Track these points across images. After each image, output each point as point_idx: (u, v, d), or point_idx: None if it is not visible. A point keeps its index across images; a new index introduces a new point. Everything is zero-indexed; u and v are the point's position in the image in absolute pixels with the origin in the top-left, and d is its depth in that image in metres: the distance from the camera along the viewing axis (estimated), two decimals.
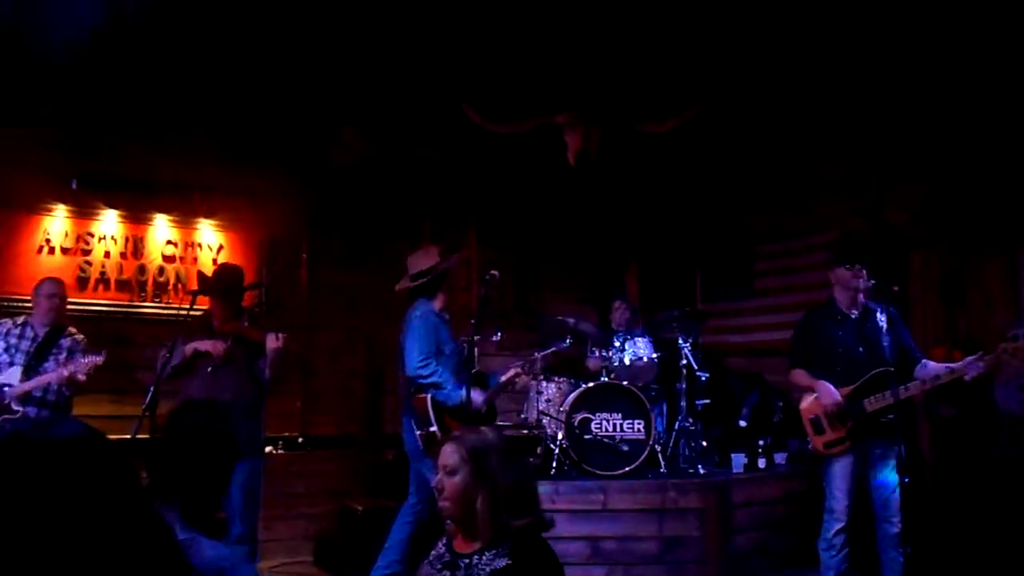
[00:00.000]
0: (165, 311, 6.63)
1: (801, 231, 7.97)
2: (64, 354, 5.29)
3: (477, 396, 4.98)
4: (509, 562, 2.47)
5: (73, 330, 5.46)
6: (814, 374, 5.02)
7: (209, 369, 4.94)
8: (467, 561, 2.54)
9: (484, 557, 2.51)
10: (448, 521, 2.65)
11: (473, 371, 5.07)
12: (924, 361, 4.91)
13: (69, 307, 6.32)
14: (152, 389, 4.75)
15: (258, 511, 5.09)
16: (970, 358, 4.64)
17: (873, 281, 4.88)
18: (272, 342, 4.89)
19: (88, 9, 5.39)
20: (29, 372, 5.18)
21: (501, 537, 2.51)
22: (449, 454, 2.62)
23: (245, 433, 4.96)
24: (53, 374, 5.12)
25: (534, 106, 6.66)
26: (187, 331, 5.08)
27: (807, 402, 5.07)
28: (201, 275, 5.75)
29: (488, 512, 2.52)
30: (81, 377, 5.12)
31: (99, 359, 5.14)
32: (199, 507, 2.28)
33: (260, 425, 5.14)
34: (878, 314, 4.89)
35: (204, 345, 4.94)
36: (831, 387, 4.91)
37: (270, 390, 5.18)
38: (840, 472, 4.94)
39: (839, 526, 4.91)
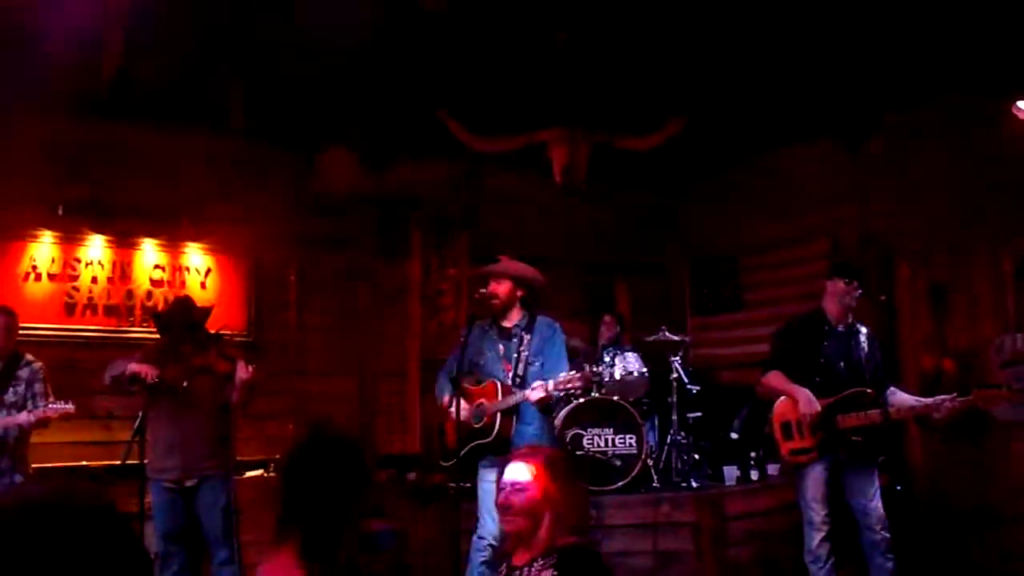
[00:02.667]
0: (153, 336, 6.56)
1: (788, 243, 8.01)
2: (23, 385, 5.22)
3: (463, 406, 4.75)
4: (555, 573, 2.57)
5: (30, 358, 5.36)
6: (795, 381, 5.02)
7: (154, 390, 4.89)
8: (519, 571, 2.65)
9: (533, 567, 2.61)
10: (508, 538, 2.74)
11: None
12: (892, 388, 4.92)
13: (57, 333, 6.35)
14: (141, 415, 4.74)
15: (238, 533, 5.07)
16: (942, 398, 4.65)
17: (860, 291, 4.92)
18: (242, 372, 4.86)
19: (79, 37, 5.41)
20: None
21: (550, 550, 2.60)
22: (520, 471, 2.69)
23: (215, 460, 4.97)
24: (23, 418, 5.04)
25: (520, 123, 6.68)
26: (150, 352, 5.08)
27: (781, 406, 5.04)
28: (155, 315, 5.62)
29: (550, 530, 2.62)
30: (47, 422, 5.14)
31: (70, 408, 5.11)
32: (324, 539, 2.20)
33: (229, 450, 5.11)
34: (861, 332, 4.91)
35: (141, 368, 4.86)
36: (811, 396, 4.88)
37: (238, 415, 5.15)
38: (812, 483, 4.93)
39: (820, 536, 4.90)
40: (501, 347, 4.77)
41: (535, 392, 4.48)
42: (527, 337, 4.77)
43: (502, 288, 4.73)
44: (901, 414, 4.78)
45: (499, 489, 2.73)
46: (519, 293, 4.79)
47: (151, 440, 4.97)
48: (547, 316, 4.89)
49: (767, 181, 8.08)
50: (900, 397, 4.84)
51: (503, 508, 2.68)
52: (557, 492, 2.64)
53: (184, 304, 5.37)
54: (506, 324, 4.80)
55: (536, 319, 4.83)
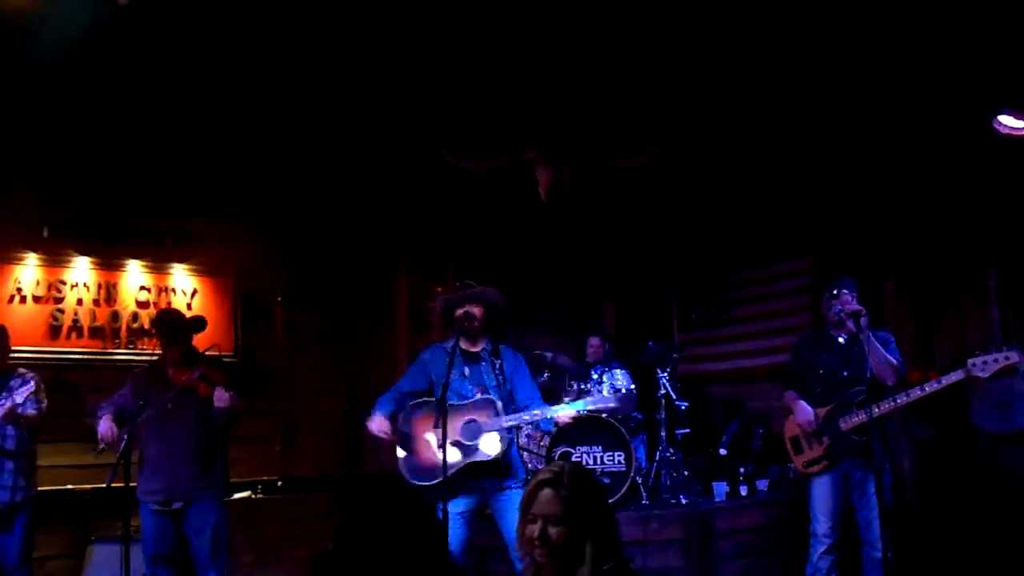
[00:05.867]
0: (139, 358, 6.55)
1: (775, 258, 8.05)
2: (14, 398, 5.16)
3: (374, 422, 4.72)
4: None
5: (23, 371, 5.35)
6: (801, 396, 5.12)
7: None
8: None
9: None
10: (540, 571, 2.45)
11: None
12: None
13: (42, 356, 6.30)
14: (125, 438, 4.71)
15: (227, 556, 5.04)
16: (940, 378, 4.71)
17: (844, 298, 4.94)
18: (219, 401, 4.83)
19: (59, 58, 5.41)
20: None
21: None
22: (550, 500, 2.42)
23: (202, 481, 4.94)
24: None
25: (505, 143, 6.69)
26: (137, 378, 5.06)
27: (788, 423, 5.19)
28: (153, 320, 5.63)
29: (593, 559, 2.35)
30: (30, 411, 5.12)
31: (35, 379, 5.12)
32: None
33: (219, 470, 5.08)
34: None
35: (103, 433, 4.82)
36: (806, 406, 5.03)
37: (225, 436, 5.13)
38: (821, 493, 4.97)
39: (823, 548, 4.92)
40: (467, 369, 4.75)
41: (565, 415, 4.57)
42: (497, 361, 4.78)
43: (477, 311, 4.75)
44: (898, 403, 4.76)
45: (528, 521, 2.46)
46: (487, 319, 4.80)
47: (140, 461, 4.95)
48: (507, 345, 4.94)
49: (753, 196, 8.12)
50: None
51: (541, 542, 2.39)
52: (594, 515, 2.40)
53: (174, 312, 5.40)
54: (472, 348, 4.80)
55: (499, 346, 4.86)
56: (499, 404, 4.61)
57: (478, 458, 4.52)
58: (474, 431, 4.55)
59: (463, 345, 4.75)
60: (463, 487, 4.53)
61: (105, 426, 4.84)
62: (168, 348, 5.13)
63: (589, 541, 2.36)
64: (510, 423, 4.56)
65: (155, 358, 5.33)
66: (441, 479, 4.37)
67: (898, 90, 6.09)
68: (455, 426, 4.55)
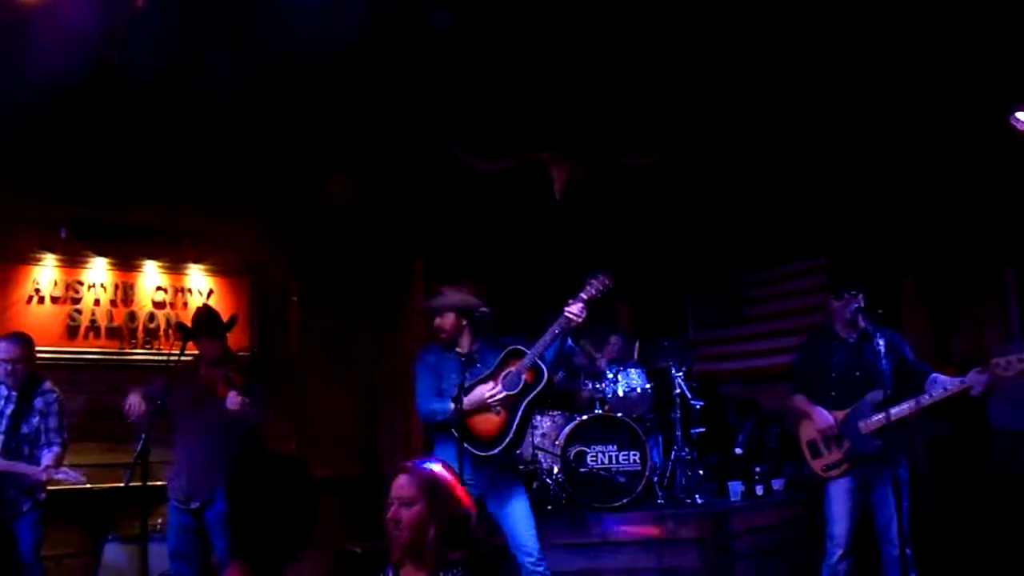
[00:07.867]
0: (156, 358, 6.60)
1: (790, 257, 8.01)
2: (37, 417, 5.18)
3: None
4: None
5: (47, 386, 5.32)
6: (812, 398, 5.04)
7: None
8: None
9: None
10: (395, 551, 2.75)
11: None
12: (933, 376, 4.84)
13: (60, 356, 6.37)
14: (143, 437, 4.72)
15: None
16: (974, 371, 4.62)
17: (856, 304, 4.89)
18: (230, 404, 4.80)
19: (75, 59, 5.44)
20: (8, 440, 5.10)
21: (448, 565, 2.66)
22: (404, 486, 2.74)
23: (222, 483, 4.94)
24: (29, 469, 5.02)
25: (519, 143, 6.70)
26: (173, 376, 5.07)
27: (804, 427, 5.09)
28: (180, 324, 5.67)
29: (436, 543, 2.67)
30: (55, 447, 5.17)
31: (83, 480, 5.11)
32: None
33: None
34: (877, 338, 4.88)
35: (128, 401, 4.89)
36: (824, 411, 4.94)
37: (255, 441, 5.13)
38: (838, 496, 4.92)
39: (841, 552, 4.88)
40: (465, 374, 4.73)
41: (575, 306, 4.68)
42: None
43: (447, 321, 4.80)
44: (922, 404, 4.71)
45: (388, 504, 2.78)
46: (463, 322, 4.82)
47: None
48: (506, 337, 4.94)
49: (767, 195, 8.08)
50: (940, 381, 4.78)
51: (393, 522, 2.72)
52: (442, 506, 2.71)
53: (210, 311, 5.42)
54: (465, 351, 4.82)
55: (492, 343, 4.86)
56: (521, 347, 4.68)
57: (533, 391, 4.61)
58: (515, 378, 4.62)
59: (458, 349, 4.80)
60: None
61: (133, 398, 4.89)
62: (206, 346, 5.14)
63: (433, 527, 2.67)
64: (538, 348, 4.62)
65: (191, 357, 5.31)
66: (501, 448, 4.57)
67: (915, 87, 6.05)
68: (496, 390, 4.63)
